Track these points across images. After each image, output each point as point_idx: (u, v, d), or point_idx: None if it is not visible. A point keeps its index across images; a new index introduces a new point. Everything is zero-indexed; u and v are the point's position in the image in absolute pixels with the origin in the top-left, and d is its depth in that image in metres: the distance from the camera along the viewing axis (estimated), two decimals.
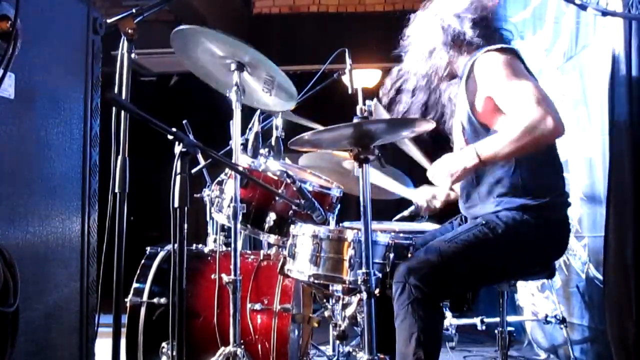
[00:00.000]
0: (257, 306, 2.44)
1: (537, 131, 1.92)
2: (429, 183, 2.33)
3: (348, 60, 2.72)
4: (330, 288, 2.44)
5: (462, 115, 2.22)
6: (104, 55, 2.12)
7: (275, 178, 2.42)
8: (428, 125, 2.01)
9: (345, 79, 2.73)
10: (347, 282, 2.04)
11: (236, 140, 2.35)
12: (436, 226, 2.59)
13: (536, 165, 2.13)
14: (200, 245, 2.76)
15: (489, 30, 2.26)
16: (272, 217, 2.43)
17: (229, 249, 2.43)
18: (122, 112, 1.79)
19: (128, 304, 2.48)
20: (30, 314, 1.81)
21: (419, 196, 2.55)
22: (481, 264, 2.08)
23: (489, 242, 2.05)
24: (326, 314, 2.55)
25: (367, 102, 1.93)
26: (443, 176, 2.09)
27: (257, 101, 2.54)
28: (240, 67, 2.33)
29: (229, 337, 2.20)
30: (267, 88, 2.45)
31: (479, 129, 2.16)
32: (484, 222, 2.08)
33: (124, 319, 1.95)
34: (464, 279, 2.10)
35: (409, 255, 2.10)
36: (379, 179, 2.56)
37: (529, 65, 2.21)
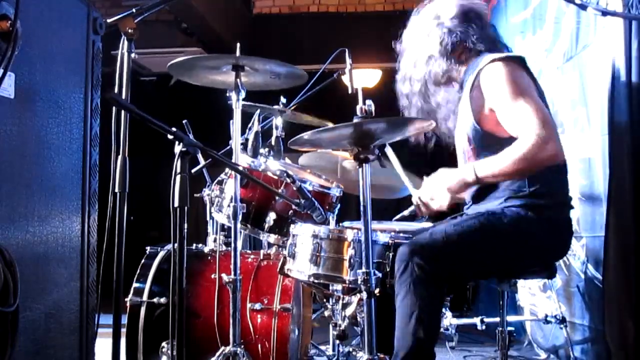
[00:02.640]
0: (257, 306, 2.44)
1: (537, 157, 1.98)
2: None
3: (348, 60, 2.72)
4: (330, 288, 2.44)
5: (467, 124, 2.21)
6: (104, 55, 2.12)
7: (275, 178, 2.42)
8: (427, 126, 2.01)
9: (345, 78, 2.73)
10: (347, 281, 2.05)
11: (236, 140, 2.35)
12: None
13: (545, 169, 2.14)
14: (200, 245, 2.76)
15: (485, 33, 2.26)
16: (272, 216, 2.43)
17: (229, 248, 2.44)
18: (122, 112, 1.80)
19: (128, 304, 2.48)
20: (30, 314, 1.81)
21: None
22: (484, 248, 2.09)
23: (493, 229, 2.07)
24: (326, 313, 2.55)
25: (367, 101, 1.93)
26: (441, 192, 2.13)
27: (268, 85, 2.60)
28: (240, 68, 2.34)
29: (229, 337, 2.20)
30: (274, 76, 2.48)
31: (486, 137, 2.16)
32: (490, 212, 2.10)
33: (124, 318, 1.95)
34: (466, 262, 2.09)
35: None
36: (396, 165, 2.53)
37: (532, 68, 2.21)
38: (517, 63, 2.15)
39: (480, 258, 2.11)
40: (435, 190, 2.16)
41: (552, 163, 2.03)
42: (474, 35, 2.23)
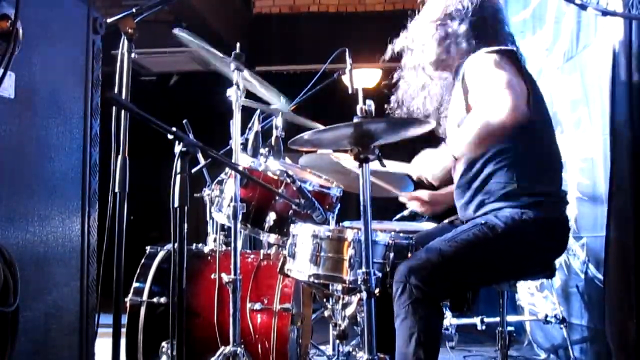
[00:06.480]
0: (257, 306, 2.44)
1: (494, 125, 1.94)
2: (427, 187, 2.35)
3: (348, 60, 2.72)
4: (330, 288, 2.44)
5: (458, 115, 2.19)
6: (104, 55, 2.12)
7: (275, 178, 2.42)
8: (428, 126, 2.00)
9: (345, 78, 2.73)
10: (347, 281, 2.04)
11: (236, 140, 2.34)
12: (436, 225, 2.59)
13: (535, 166, 2.13)
14: (200, 245, 2.76)
15: (486, 31, 2.23)
16: (272, 216, 2.43)
17: (229, 248, 2.43)
18: (122, 112, 1.79)
19: (128, 304, 2.48)
20: (30, 314, 1.81)
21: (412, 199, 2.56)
22: (481, 263, 2.08)
23: (489, 242, 2.04)
24: (326, 313, 2.55)
25: (367, 101, 1.93)
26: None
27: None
28: (240, 67, 2.33)
29: (229, 337, 2.20)
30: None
31: None
32: (483, 221, 2.07)
33: (124, 318, 1.95)
34: (464, 279, 2.09)
35: (409, 254, 2.10)
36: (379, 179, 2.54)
37: (529, 66, 2.19)
38: (507, 56, 2.11)
39: (479, 272, 2.10)
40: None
41: (510, 125, 1.95)
42: (472, 32, 2.19)
